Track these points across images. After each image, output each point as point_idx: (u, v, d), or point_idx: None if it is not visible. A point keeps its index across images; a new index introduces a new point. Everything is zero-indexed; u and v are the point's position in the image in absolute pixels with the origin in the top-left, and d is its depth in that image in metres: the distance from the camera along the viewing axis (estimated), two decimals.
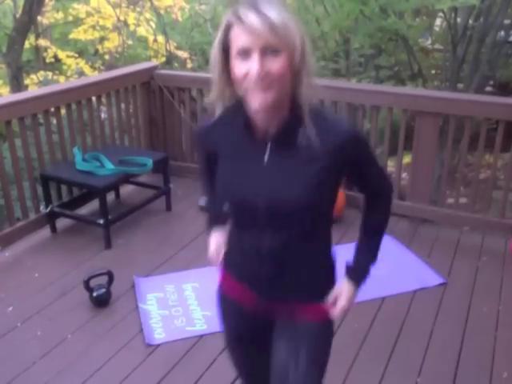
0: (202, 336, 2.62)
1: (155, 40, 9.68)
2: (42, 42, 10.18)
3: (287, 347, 1.45)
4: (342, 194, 3.73)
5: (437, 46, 8.59)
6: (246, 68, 1.18)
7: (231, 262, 1.51)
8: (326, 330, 1.49)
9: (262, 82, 1.18)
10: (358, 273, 1.48)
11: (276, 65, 1.18)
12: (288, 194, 1.28)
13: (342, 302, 1.44)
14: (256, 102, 1.20)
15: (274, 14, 1.16)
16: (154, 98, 4.40)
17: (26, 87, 8.13)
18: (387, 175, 1.51)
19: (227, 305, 1.55)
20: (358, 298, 2.29)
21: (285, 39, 1.17)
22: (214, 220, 1.69)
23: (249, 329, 1.54)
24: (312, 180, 1.27)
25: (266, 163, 1.30)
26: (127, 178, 3.76)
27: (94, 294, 2.82)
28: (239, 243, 1.45)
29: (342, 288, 1.46)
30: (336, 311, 1.44)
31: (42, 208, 3.60)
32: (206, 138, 1.44)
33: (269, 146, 1.29)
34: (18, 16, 7.64)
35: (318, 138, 1.25)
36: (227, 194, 1.41)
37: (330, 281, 1.48)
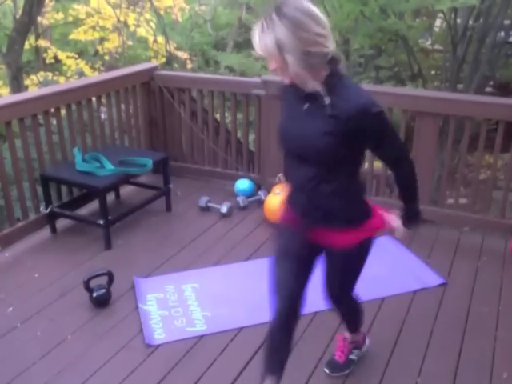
0: (202, 336, 2.62)
1: (155, 41, 9.70)
2: (42, 43, 10.18)
3: (329, 268, 2.05)
4: None
5: (437, 46, 8.60)
6: None
7: (290, 198, 1.98)
8: (356, 252, 1.95)
9: (276, 73, 1.73)
10: (408, 218, 1.96)
11: (273, 65, 1.71)
12: (307, 134, 1.76)
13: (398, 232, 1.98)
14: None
15: (257, 40, 1.67)
16: (154, 98, 4.41)
17: (26, 88, 8.14)
18: (401, 145, 1.90)
19: (284, 229, 2.02)
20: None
21: (269, 54, 1.67)
22: None
23: (296, 247, 1.95)
24: (322, 132, 1.71)
25: (303, 111, 1.77)
26: (127, 179, 3.76)
27: (94, 295, 2.82)
28: (290, 180, 1.95)
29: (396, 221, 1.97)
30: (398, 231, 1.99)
31: (41, 208, 3.59)
32: (282, 92, 1.91)
33: (307, 102, 1.76)
34: (18, 17, 7.65)
35: (335, 105, 1.69)
36: (280, 131, 1.89)
37: (355, 213, 1.89)
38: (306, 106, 1.76)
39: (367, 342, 2.49)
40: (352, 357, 2.41)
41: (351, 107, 1.66)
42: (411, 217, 1.96)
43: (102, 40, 10.72)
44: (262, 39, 1.65)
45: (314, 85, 1.70)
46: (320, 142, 1.71)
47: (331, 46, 1.69)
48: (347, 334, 2.39)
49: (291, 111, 1.85)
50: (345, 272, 2.05)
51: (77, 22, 10.51)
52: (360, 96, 1.71)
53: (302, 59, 1.63)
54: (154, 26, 10.30)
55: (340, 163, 1.78)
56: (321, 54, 1.65)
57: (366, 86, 6.11)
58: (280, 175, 3.97)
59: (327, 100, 1.69)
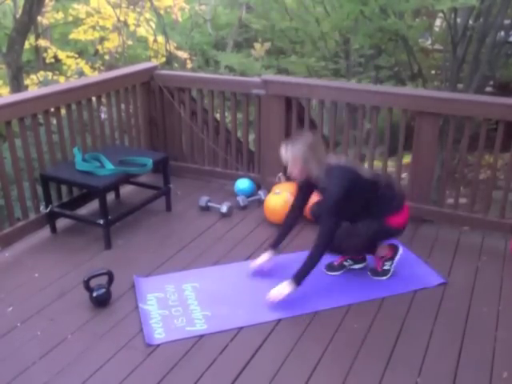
0: (202, 336, 2.62)
1: (155, 40, 9.70)
2: (42, 43, 10.18)
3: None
4: None
5: (437, 46, 8.59)
6: None
7: None
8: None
9: (293, 175, 2.90)
10: (294, 278, 2.78)
11: (294, 170, 2.84)
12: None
13: (273, 291, 2.79)
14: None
15: (284, 152, 2.82)
16: (154, 98, 4.41)
17: (26, 87, 8.13)
18: (325, 229, 2.76)
19: None
20: (357, 298, 2.43)
21: (295, 162, 2.79)
22: (276, 239, 3.15)
23: None
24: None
25: (320, 189, 2.91)
26: (127, 178, 3.76)
27: (94, 294, 2.82)
28: None
29: (282, 284, 2.79)
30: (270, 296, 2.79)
31: (41, 208, 3.59)
32: (302, 183, 2.99)
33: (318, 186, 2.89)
34: (17, 16, 7.65)
35: (323, 184, 2.80)
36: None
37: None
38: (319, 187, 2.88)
39: (400, 250, 3.10)
40: (385, 267, 3.06)
41: (324, 191, 2.81)
42: (294, 276, 2.77)
43: (101, 40, 10.72)
44: (291, 154, 2.78)
45: (316, 176, 2.80)
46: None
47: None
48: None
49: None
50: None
51: (77, 22, 10.51)
52: (331, 184, 2.75)
53: (316, 165, 2.77)
54: (153, 26, 10.30)
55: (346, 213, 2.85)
56: (322, 161, 2.79)
57: (366, 85, 6.11)
58: (280, 175, 3.97)
59: (322, 183, 2.80)
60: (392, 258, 3.08)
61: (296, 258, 3.28)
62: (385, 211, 2.90)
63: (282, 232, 3.13)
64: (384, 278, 3.06)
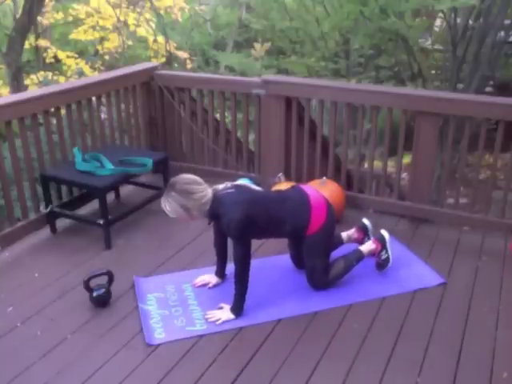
0: (202, 336, 2.62)
1: (155, 40, 9.69)
2: (42, 43, 10.16)
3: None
4: (341, 195, 3.72)
5: (437, 46, 8.60)
6: None
7: None
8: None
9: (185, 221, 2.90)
10: (232, 310, 2.74)
11: (183, 219, 2.73)
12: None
13: (217, 313, 2.75)
14: None
15: (169, 211, 2.64)
16: (154, 98, 4.40)
17: (26, 87, 8.12)
18: (239, 255, 2.67)
19: None
20: (357, 298, 2.43)
21: (180, 216, 2.66)
22: (218, 269, 3.05)
23: None
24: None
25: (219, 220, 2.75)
26: (127, 178, 3.75)
27: (94, 294, 2.81)
28: None
29: (224, 308, 2.76)
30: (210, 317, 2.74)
31: (41, 208, 3.60)
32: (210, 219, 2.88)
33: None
34: (17, 16, 7.65)
35: (220, 219, 2.71)
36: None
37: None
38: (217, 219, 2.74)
39: (386, 235, 3.07)
40: (383, 257, 3.06)
41: (224, 221, 2.67)
42: (232, 308, 2.72)
43: (102, 40, 10.70)
44: (170, 211, 2.62)
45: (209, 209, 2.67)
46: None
47: (209, 189, 2.67)
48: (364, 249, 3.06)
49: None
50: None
51: (77, 22, 10.50)
52: (227, 211, 2.64)
53: (200, 208, 2.64)
54: (153, 26, 10.29)
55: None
56: (207, 200, 2.64)
57: (366, 85, 6.10)
58: (280, 175, 3.97)
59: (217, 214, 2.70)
60: (384, 247, 3.07)
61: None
62: (302, 227, 2.83)
63: (219, 262, 3.01)
64: (389, 264, 3.06)
